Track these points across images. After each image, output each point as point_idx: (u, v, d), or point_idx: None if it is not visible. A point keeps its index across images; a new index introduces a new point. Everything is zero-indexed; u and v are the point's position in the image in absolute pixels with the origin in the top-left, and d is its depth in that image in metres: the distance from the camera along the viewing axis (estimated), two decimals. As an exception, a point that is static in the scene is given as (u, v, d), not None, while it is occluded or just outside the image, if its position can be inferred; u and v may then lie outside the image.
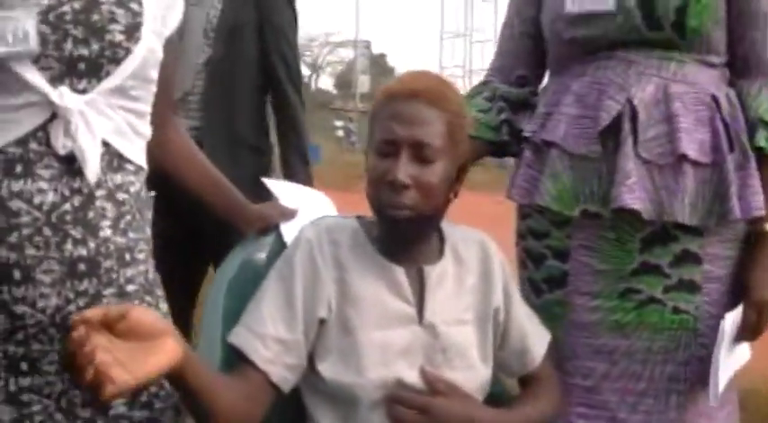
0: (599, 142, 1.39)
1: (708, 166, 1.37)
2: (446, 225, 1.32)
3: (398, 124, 1.16)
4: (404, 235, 1.22)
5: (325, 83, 40.51)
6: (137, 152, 1.10)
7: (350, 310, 1.21)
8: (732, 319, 1.39)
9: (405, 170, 1.15)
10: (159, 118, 1.20)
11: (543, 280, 1.51)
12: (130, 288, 1.07)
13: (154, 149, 1.23)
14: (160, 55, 1.11)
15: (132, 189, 1.08)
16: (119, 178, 1.06)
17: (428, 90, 1.18)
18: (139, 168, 1.11)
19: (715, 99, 1.39)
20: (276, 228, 1.41)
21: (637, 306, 1.42)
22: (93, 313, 0.91)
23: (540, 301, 1.52)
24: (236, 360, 1.19)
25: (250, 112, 2.25)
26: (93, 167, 1.01)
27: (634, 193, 1.33)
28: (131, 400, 1.07)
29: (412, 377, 1.21)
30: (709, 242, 1.41)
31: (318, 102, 23.57)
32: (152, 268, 1.14)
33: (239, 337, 1.18)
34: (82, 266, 1.01)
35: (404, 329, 1.22)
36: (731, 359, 1.44)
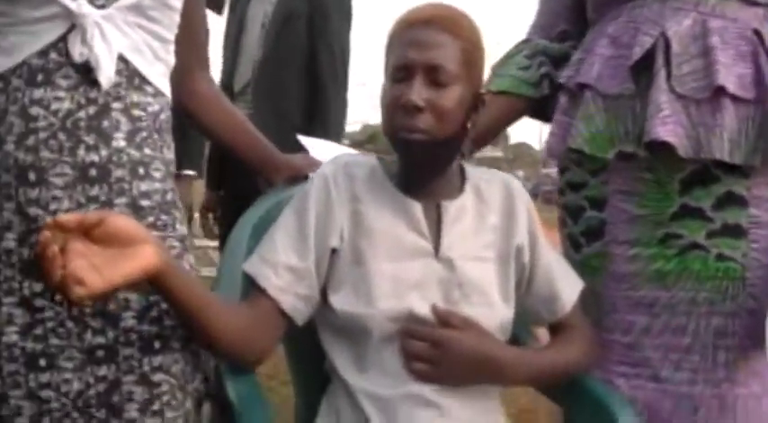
0: (632, 79, 1.33)
1: (750, 102, 1.29)
2: (469, 165, 1.30)
3: (412, 49, 1.15)
4: (419, 162, 1.19)
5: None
6: (157, 76, 1.13)
7: (363, 242, 1.19)
8: None
9: (419, 93, 1.13)
10: (186, 66, 1.27)
11: (582, 233, 1.44)
12: (144, 203, 1.09)
13: (182, 97, 1.30)
14: None
15: (150, 109, 1.12)
16: (136, 97, 1.10)
17: (443, 17, 1.18)
18: (159, 92, 1.14)
19: (758, 33, 1.32)
20: (306, 179, 1.42)
21: (678, 253, 1.33)
22: (68, 217, 0.92)
23: (579, 256, 1.45)
24: (250, 289, 1.19)
25: (299, 102, 2.29)
26: (106, 74, 1.05)
27: (667, 126, 1.26)
28: (140, 315, 1.07)
29: (425, 310, 1.17)
30: (755, 184, 1.31)
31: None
32: (172, 190, 1.15)
33: (252, 266, 1.19)
34: (93, 172, 1.04)
35: (418, 262, 1.19)
36: None
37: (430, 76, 1.14)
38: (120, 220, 0.96)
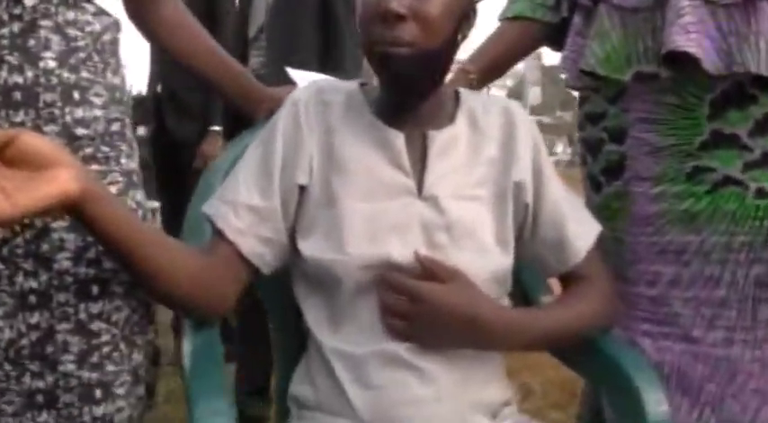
0: None
1: None
2: (466, 91, 1.12)
3: None
4: (404, 81, 1.01)
5: (496, 96, 41.23)
6: None
7: (335, 179, 1.03)
8: None
9: None
10: None
11: (601, 171, 1.25)
12: (80, 131, 0.98)
13: (148, 24, 1.21)
14: None
15: (89, 28, 1.02)
16: (72, 15, 1.00)
17: None
18: (101, 11, 1.04)
19: None
20: None
21: (710, 190, 1.13)
22: None
23: (598, 197, 1.27)
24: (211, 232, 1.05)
25: (311, 50, 2.12)
26: None
27: (690, 35, 1.05)
28: (76, 256, 0.97)
29: (404, 256, 1.00)
30: None
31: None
32: (118, 120, 1.05)
33: (211, 207, 1.05)
34: (17, 95, 0.94)
35: (398, 202, 1.02)
36: None
37: None
38: (35, 140, 0.83)
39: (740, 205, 1.11)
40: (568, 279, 1.12)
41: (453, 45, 1.02)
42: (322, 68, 2.09)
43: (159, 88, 2.87)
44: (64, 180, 0.83)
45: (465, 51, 1.42)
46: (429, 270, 1.00)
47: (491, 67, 1.38)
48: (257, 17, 2.21)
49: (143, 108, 3.02)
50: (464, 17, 1.02)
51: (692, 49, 1.04)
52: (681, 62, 1.08)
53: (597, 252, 1.11)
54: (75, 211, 0.86)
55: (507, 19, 1.39)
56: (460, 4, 1.00)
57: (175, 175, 2.84)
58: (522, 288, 1.23)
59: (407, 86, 1.03)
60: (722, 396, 1.15)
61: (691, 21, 1.05)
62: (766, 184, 1.10)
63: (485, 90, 1.48)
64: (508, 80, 38.27)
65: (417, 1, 0.97)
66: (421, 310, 0.98)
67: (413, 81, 1.01)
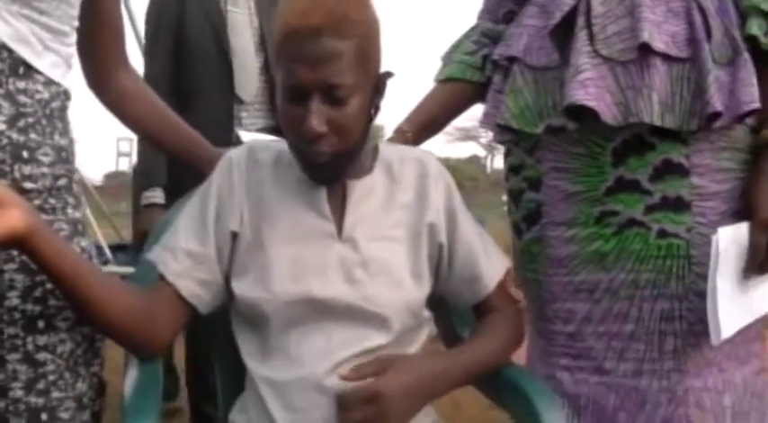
0: (556, 48, 1.24)
1: (685, 61, 1.18)
2: (386, 145, 1.24)
3: (304, 67, 1.04)
4: (328, 174, 1.12)
5: (500, 162, 41.92)
6: (48, 66, 1.12)
7: (264, 226, 1.14)
8: (731, 236, 1.16)
9: (318, 118, 1.05)
10: (106, 64, 1.30)
11: (523, 218, 1.35)
12: (29, 185, 1.07)
13: (106, 94, 1.32)
14: None
15: (38, 96, 1.10)
16: (22, 84, 1.08)
17: (331, 22, 1.04)
18: (51, 81, 1.12)
19: None
20: None
21: (616, 232, 1.22)
22: None
23: (521, 243, 1.36)
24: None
25: None
26: None
27: (588, 90, 1.16)
28: (23, 294, 1.05)
29: (324, 292, 1.10)
30: (696, 150, 1.19)
31: (492, 181, 23.76)
32: (65, 176, 1.13)
33: (153, 252, 1.16)
34: None
35: (318, 244, 1.13)
36: (747, 295, 1.19)
37: (326, 94, 1.05)
38: None
39: (644, 245, 1.20)
40: (481, 310, 1.22)
41: (369, 123, 1.13)
42: None
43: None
44: (13, 217, 0.93)
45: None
46: (366, 373, 1.07)
47: (426, 127, 1.48)
48: (247, 86, 2.30)
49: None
50: (376, 92, 1.12)
51: (590, 102, 1.15)
52: (585, 115, 1.19)
53: (506, 286, 1.21)
54: (21, 244, 0.95)
55: (440, 81, 1.51)
56: (370, 94, 1.10)
57: None
58: (450, 324, 1.32)
59: (332, 172, 1.12)
60: (633, 424, 1.22)
61: (588, 77, 1.16)
62: (667, 226, 1.19)
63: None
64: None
65: (334, 114, 1.05)
66: (380, 403, 1.04)
67: (337, 168, 1.11)
